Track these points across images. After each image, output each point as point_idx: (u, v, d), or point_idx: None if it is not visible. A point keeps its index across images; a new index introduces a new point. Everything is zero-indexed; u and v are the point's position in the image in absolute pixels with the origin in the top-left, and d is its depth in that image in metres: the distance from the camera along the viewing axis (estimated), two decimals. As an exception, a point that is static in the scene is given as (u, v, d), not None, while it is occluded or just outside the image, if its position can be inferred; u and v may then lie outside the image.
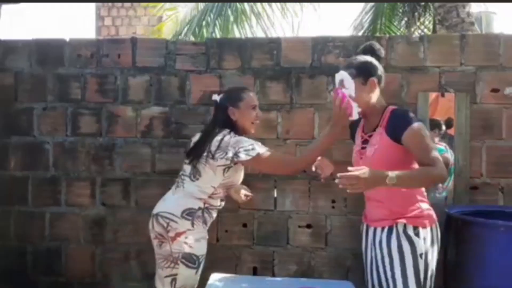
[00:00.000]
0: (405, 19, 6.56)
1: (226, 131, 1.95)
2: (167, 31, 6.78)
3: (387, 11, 6.45)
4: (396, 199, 1.78)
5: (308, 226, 2.56)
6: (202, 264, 1.95)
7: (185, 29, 6.25)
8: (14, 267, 2.68)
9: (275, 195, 2.59)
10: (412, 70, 2.50)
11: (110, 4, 8.35)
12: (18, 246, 2.69)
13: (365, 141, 1.88)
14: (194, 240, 1.91)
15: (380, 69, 1.84)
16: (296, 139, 2.57)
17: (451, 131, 2.48)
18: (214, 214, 2.03)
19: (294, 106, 2.58)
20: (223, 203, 2.07)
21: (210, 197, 1.97)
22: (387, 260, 1.77)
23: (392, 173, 1.58)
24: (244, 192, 2.29)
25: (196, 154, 1.94)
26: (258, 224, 2.59)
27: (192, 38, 5.98)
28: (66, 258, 2.67)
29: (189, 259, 1.89)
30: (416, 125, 1.71)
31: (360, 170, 1.56)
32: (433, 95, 2.48)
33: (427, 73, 2.49)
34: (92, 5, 8.50)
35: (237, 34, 6.05)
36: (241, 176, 2.06)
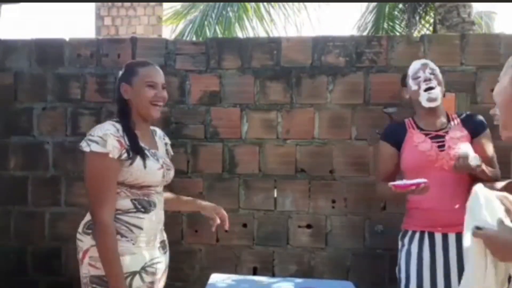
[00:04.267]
0: (406, 19, 6.57)
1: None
2: (167, 30, 6.77)
3: (390, 10, 6.47)
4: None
5: (308, 226, 2.55)
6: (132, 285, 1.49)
7: (187, 29, 6.26)
8: (14, 267, 2.68)
9: (275, 195, 2.59)
10: (412, 70, 2.49)
11: (110, 3, 8.34)
12: (18, 246, 2.69)
13: (436, 137, 1.86)
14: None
15: None
16: (296, 139, 2.56)
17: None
18: (134, 220, 1.51)
19: (294, 106, 2.57)
20: (146, 204, 1.54)
21: None
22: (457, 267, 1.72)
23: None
24: (213, 215, 1.81)
25: None
26: (258, 224, 2.58)
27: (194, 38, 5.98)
28: (66, 258, 2.66)
29: (100, 284, 1.47)
30: (489, 130, 1.90)
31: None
32: (433, 95, 2.48)
33: (427, 73, 2.49)
34: (92, 5, 8.49)
35: (238, 34, 6.05)
36: (143, 172, 1.51)
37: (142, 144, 1.55)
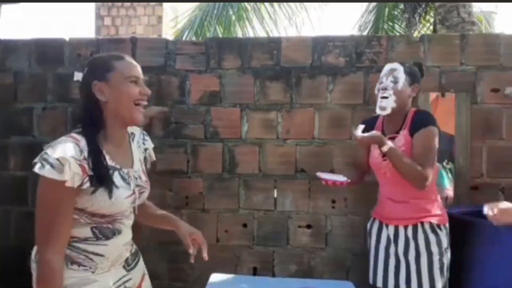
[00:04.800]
0: (406, 19, 6.57)
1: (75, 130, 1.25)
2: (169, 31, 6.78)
3: (389, 10, 6.46)
4: (421, 200, 1.87)
5: (308, 226, 2.56)
6: None
7: (187, 30, 6.26)
8: (14, 267, 2.68)
9: (275, 195, 2.59)
10: (412, 70, 2.49)
11: (110, 3, 8.34)
12: (18, 246, 2.69)
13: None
14: None
15: (421, 81, 1.98)
16: (296, 139, 2.56)
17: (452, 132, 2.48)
18: (94, 248, 1.26)
19: (294, 106, 2.57)
20: (108, 232, 1.28)
21: None
22: (412, 254, 1.84)
23: (390, 143, 1.77)
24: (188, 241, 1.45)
25: None
26: (258, 224, 2.58)
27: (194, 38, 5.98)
28: (66, 258, 2.66)
29: None
30: (432, 128, 1.81)
31: (371, 133, 1.79)
32: (433, 95, 2.48)
33: (427, 73, 2.48)
34: (92, 4, 8.49)
35: (239, 34, 6.05)
36: (107, 202, 1.23)
37: (113, 163, 1.27)
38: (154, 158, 1.52)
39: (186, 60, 2.63)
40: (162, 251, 2.61)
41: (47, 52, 2.71)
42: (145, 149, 1.47)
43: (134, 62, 1.35)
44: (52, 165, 1.15)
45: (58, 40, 2.72)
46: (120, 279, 1.35)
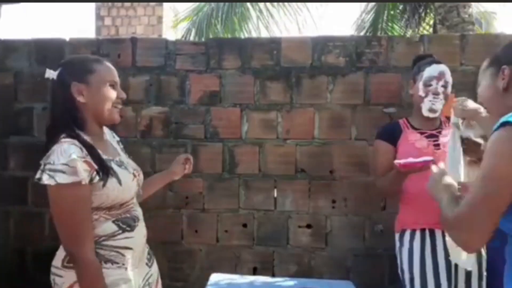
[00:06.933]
0: (406, 19, 6.57)
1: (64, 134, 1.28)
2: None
3: (389, 10, 6.47)
4: None
5: (308, 226, 2.55)
6: None
7: (192, 31, 6.29)
8: (14, 267, 2.68)
9: (275, 195, 2.59)
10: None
11: (110, 4, 8.35)
12: (18, 246, 2.69)
13: (430, 136, 1.91)
14: None
15: None
16: (296, 139, 2.56)
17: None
18: (123, 242, 1.32)
19: (294, 106, 2.57)
20: (130, 221, 1.35)
21: None
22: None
23: None
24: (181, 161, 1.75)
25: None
26: (258, 224, 2.58)
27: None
28: (66, 258, 2.66)
29: None
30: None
31: None
32: (433, 95, 2.47)
33: (427, 73, 2.49)
34: (92, 5, 8.50)
35: (240, 34, 6.06)
36: (120, 190, 1.30)
37: (105, 156, 1.32)
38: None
39: (186, 60, 2.63)
40: (162, 251, 2.61)
41: (47, 52, 2.71)
42: (118, 142, 1.55)
43: (112, 66, 1.42)
44: (62, 171, 1.20)
45: (58, 40, 2.72)
46: (146, 276, 1.43)
